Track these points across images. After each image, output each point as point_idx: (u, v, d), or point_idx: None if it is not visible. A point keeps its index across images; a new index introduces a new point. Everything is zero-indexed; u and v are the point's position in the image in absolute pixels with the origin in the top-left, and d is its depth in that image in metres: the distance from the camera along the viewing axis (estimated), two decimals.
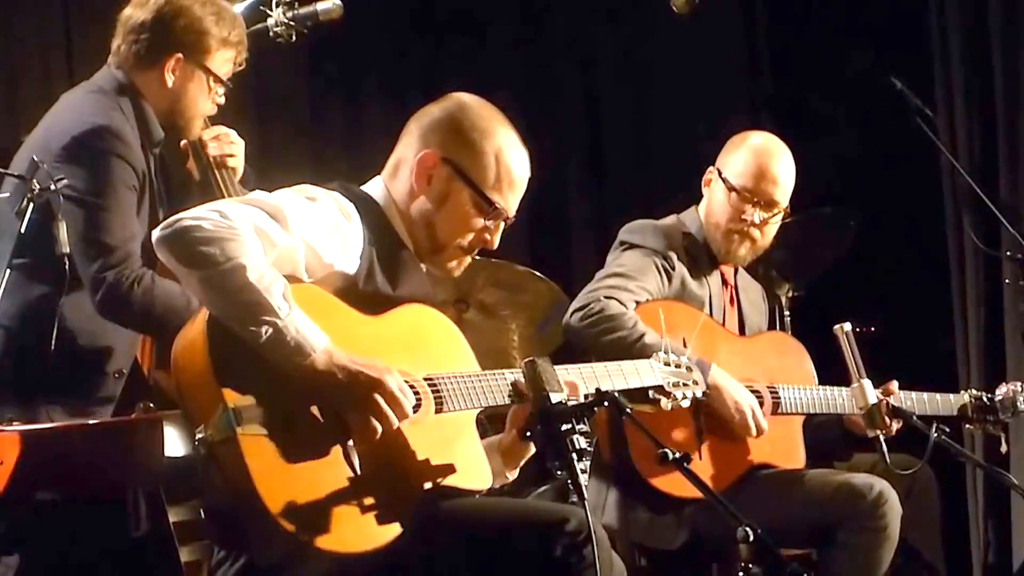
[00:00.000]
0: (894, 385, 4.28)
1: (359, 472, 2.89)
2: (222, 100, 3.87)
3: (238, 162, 3.97)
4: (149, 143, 3.77)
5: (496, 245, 3.25)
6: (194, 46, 3.77)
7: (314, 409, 2.89)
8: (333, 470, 2.87)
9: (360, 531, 2.86)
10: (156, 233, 2.88)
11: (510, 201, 3.20)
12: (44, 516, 3.07)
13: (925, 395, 4.43)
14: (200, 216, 2.86)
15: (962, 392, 4.59)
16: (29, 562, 3.24)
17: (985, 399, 4.57)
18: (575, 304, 4.15)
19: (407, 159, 3.19)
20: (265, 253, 2.89)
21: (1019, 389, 4.59)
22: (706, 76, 6.36)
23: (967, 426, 4.63)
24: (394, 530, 2.90)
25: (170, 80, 3.78)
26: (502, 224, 3.22)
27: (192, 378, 2.88)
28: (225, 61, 3.82)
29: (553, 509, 3.07)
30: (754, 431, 4.08)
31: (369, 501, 2.88)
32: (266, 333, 2.82)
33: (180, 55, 3.77)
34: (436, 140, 3.17)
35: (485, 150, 3.16)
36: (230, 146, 3.95)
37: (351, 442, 2.90)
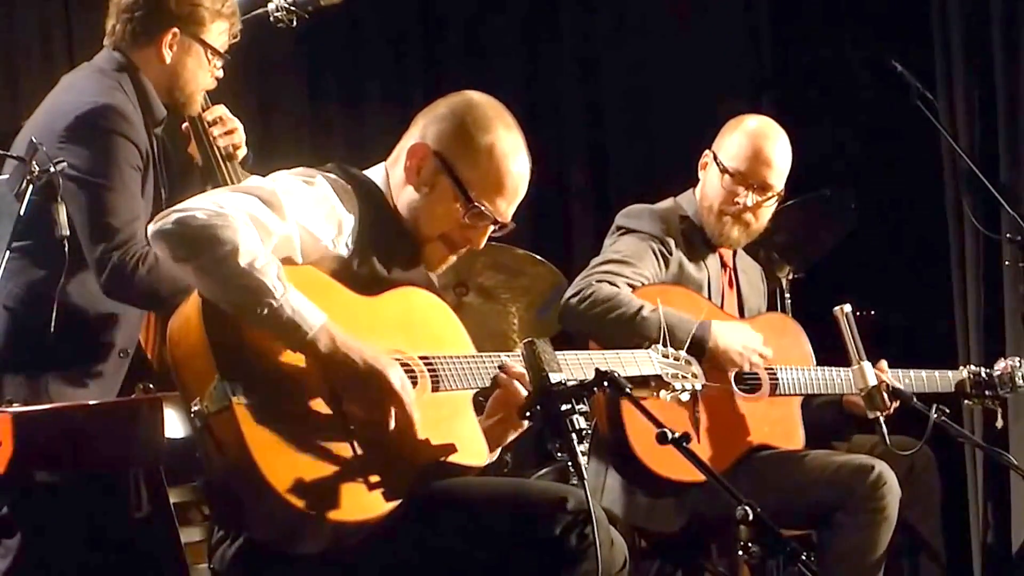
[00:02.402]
0: (883, 364, 4.29)
1: (356, 444, 2.90)
2: (220, 73, 3.88)
3: (240, 145, 3.98)
4: (152, 121, 3.77)
5: (480, 247, 3.22)
6: (189, 19, 3.77)
7: (311, 384, 2.90)
8: (330, 441, 2.88)
9: (356, 501, 2.86)
10: (151, 227, 2.89)
11: (499, 205, 3.16)
12: (44, 498, 3.08)
13: (923, 372, 4.44)
14: (192, 207, 2.87)
15: (961, 368, 4.60)
16: (29, 544, 3.25)
17: (984, 374, 4.58)
18: (570, 291, 4.14)
19: (405, 148, 3.20)
20: (262, 241, 2.90)
21: (1018, 364, 4.60)
22: (707, 60, 6.36)
23: (966, 402, 4.64)
24: (392, 502, 2.90)
25: (168, 56, 3.79)
26: (489, 227, 3.19)
27: (187, 352, 2.89)
28: (220, 33, 3.83)
29: (552, 489, 3.07)
30: (761, 363, 4.10)
31: (365, 471, 2.89)
32: (262, 313, 2.82)
33: (176, 30, 3.77)
34: (432, 133, 3.16)
35: (478, 150, 3.13)
36: (234, 133, 3.96)
37: (348, 418, 2.91)
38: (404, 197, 3.18)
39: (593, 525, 2.85)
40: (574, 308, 4.08)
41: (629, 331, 3.92)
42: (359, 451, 2.90)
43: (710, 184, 4.35)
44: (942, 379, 4.51)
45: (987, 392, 4.57)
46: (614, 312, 4.02)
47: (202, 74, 3.83)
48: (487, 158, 3.14)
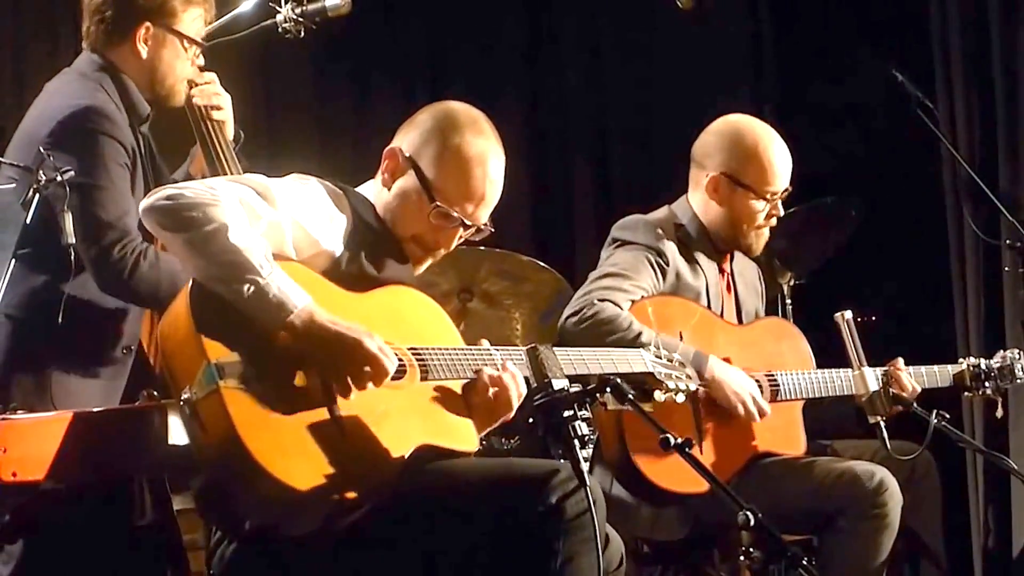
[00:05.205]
0: (900, 362, 4.30)
1: (344, 426, 2.93)
2: (201, 61, 3.88)
3: (226, 115, 3.93)
4: (136, 119, 3.78)
5: (450, 248, 3.27)
6: (160, 12, 3.78)
7: (299, 367, 2.93)
8: (318, 423, 2.91)
9: (346, 479, 2.89)
10: (143, 203, 2.98)
11: (466, 207, 3.22)
12: (48, 504, 3.09)
13: (923, 368, 4.43)
14: (184, 185, 2.98)
15: (960, 360, 4.61)
16: (33, 550, 3.26)
17: (983, 366, 4.59)
18: (569, 309, 4.12)
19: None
20: (250, 224, 2.97)
21: (1017, 356, 4.61)
22: (710, 70, 6.37)
23: (966, 394, 4.64)
24: (380, 481, 2.93)
25: (143, 51, 3.79)
26: (459, 230, 3.24)
27: (177, 344, 2.94)
28: (193, 20, 3.83)
29: (543, 463, 3.08)
30: (757, 417, 4.09)
31: (354, 453, 2.92)
32: (248, 291, 2.89)
33: (148, 23, 3.78)
34: (408, 137, 3.26)
35: (443, 152, 3.21)
36: (216, 97, 3.92)
37: (335, 400, 2.94)
38: (381, 199, 3.26)
39: (593, 517, 2.87)
40: (572, 329, 4.07)
41: None
42: (348, 433, 2.93)
43: (739, 205, 4.28)
44: (941, 373, 4.51)
45: (987, 384, 4.58)
46: (613, 336, 3.99)
47: (180, 64, 3.83)
48: (451, 160, 3.20)
